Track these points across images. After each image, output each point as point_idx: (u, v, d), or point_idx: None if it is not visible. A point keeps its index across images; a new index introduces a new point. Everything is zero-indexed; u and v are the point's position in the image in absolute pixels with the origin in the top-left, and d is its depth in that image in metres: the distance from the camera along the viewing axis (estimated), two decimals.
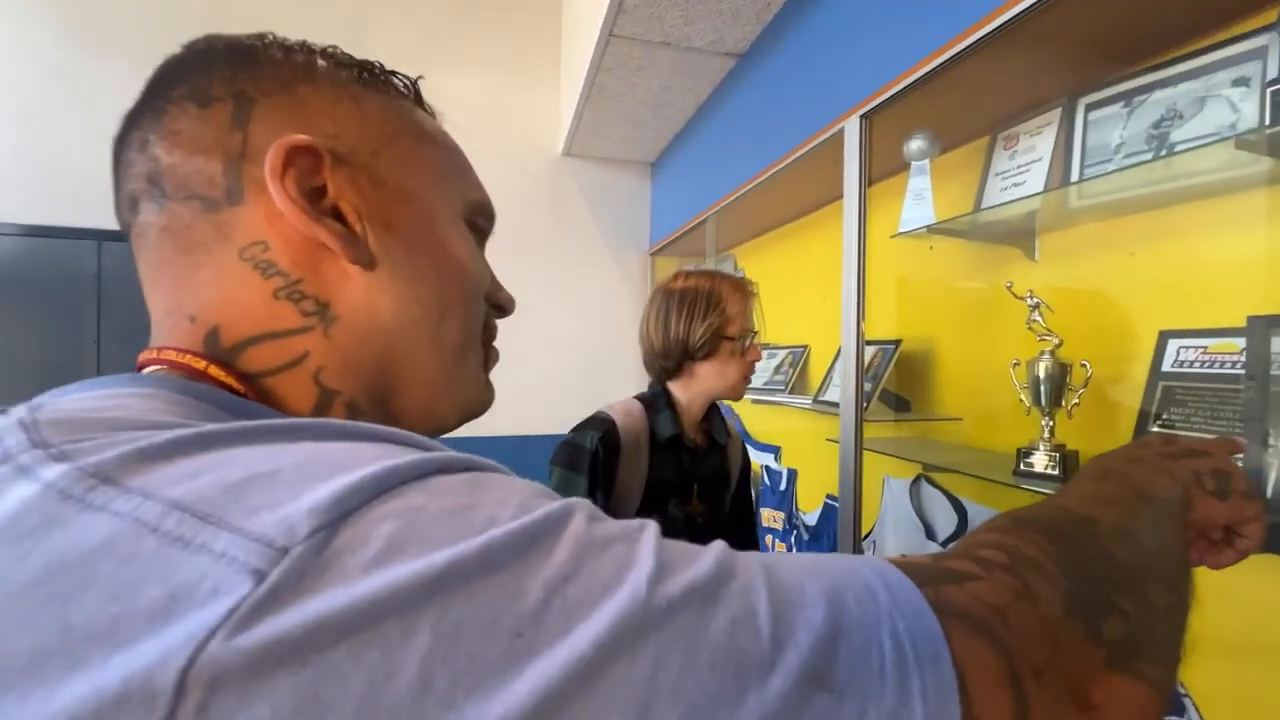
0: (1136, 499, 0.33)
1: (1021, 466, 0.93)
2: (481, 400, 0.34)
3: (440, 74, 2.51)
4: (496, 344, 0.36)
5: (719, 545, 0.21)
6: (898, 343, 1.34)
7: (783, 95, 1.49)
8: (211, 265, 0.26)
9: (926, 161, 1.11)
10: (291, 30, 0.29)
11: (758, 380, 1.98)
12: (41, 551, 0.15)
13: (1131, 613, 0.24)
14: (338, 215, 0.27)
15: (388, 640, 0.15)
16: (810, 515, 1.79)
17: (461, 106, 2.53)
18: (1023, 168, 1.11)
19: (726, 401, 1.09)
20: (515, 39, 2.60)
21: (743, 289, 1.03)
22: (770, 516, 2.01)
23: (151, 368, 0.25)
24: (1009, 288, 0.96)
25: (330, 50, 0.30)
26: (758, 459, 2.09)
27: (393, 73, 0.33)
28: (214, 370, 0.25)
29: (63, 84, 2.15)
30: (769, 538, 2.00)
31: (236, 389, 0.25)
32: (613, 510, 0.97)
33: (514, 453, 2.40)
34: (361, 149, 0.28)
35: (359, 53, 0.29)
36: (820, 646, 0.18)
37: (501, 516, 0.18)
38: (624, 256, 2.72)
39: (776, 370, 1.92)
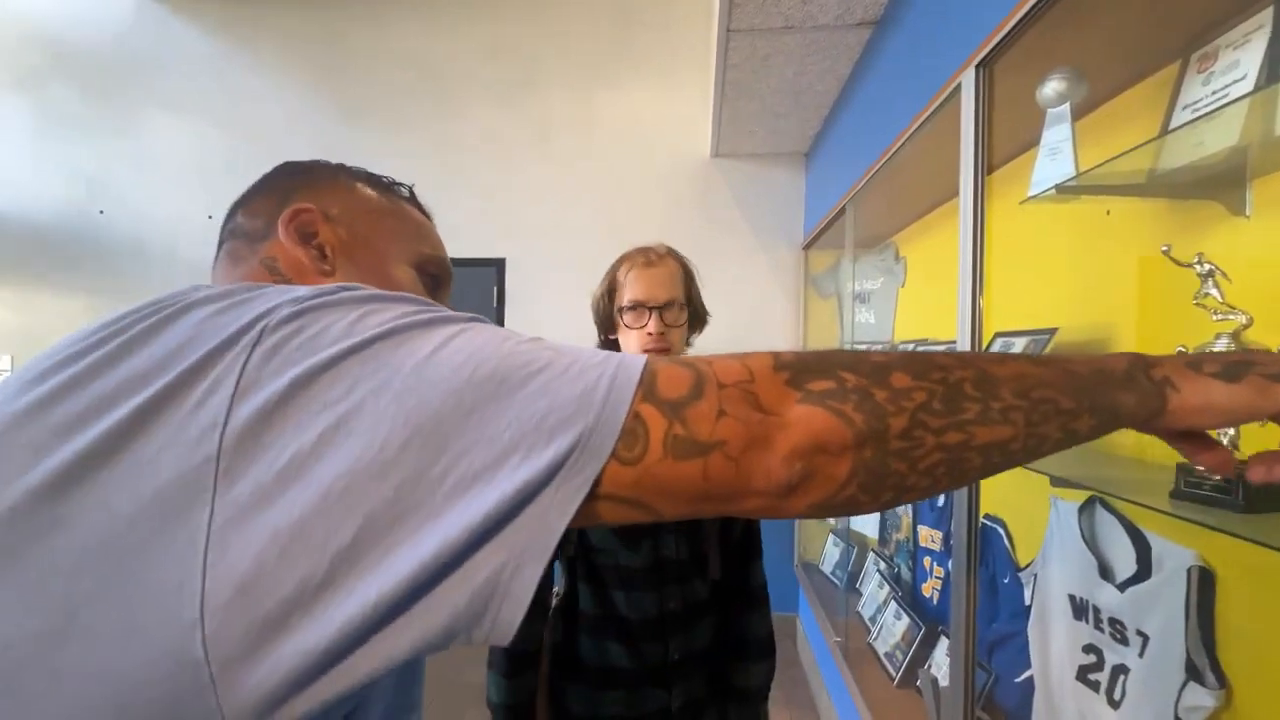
0: (1026, 362, 0.33)
1: (1183, 487, 0.71)
2: None
3: (600, 97, 2.74)
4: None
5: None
6: (1053, 331, 1.09)
7: (907, 58, 1.33)
8: (245, 267, 0.45)
9: (1065, 107, 0.90)
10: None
11: None
12: None
13: (851, 382, 0.30)
14: (321, 248, 0.45)
15: None
16: None
17: (616, 124, 2.72)
18: (1220, 92, 0.83)
19: None
20: (667, 55, 2.70)
21: (638, 255, 0.94)
22: (928, 536, 1.77)
23: None
24: (1165, 252, 0.73)
25: (357, 169, 0.52)
26: None
27: (397, 183, 0.53)
28: None
29: (330, 151, 2.88)
30: (926, 560, 1.76)
31: None
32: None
33: None
34: (345, 215, 0.47)
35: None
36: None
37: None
38: (776, 252, 2.63)
39: None
